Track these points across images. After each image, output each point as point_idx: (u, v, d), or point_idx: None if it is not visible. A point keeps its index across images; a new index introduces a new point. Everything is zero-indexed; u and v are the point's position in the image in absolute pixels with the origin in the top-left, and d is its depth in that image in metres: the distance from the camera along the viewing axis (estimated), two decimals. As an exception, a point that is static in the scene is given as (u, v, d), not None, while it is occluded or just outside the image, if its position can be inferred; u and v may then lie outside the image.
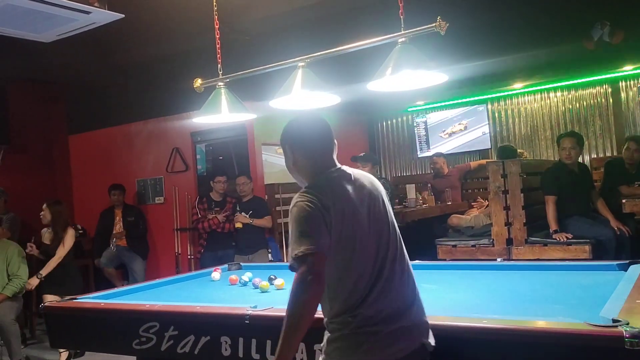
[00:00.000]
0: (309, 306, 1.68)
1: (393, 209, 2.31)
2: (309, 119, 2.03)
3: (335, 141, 2.00)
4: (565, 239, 4.68)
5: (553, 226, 4.78)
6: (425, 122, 8.71)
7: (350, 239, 1.79)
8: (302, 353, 2.17)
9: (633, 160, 5.43)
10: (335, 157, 1.97)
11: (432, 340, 1.88)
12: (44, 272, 5.19)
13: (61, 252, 5.25)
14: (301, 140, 1.94)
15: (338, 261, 1.78)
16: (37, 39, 4.64)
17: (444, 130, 8.53)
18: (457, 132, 8.42)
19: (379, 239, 1.85)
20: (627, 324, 1.76)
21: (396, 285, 1.85)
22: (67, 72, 6.63)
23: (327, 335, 1.83)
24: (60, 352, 4.75)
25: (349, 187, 1.86)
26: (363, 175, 1.98)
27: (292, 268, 1.72)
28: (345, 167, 1.96)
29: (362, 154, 5.64)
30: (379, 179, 4.73)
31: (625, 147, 5.57)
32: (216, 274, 3.72)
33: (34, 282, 5.15)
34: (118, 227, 6.93)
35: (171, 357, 2.55)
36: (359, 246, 1.80)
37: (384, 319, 1.77)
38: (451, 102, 8.42)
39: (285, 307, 1.72)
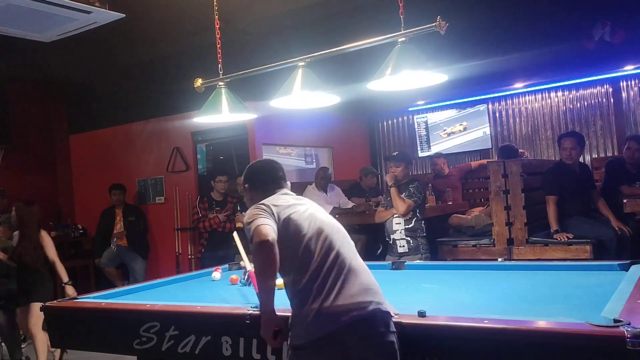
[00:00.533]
0: (270, 263, 2.06)
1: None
2: (264, 164, 2.59)
3: (288, 182, 2.50)
4: (566, 239, 4.68)
5: (554, 226, 4.77)
6: (426, 122, 8.70)
7: (294, 234, 2.17)
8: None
9: (634, 159, 5.42)
10: (282, 184, 2.45)
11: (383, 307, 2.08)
12: (65, 278, 4.93)
13: (54, 255, 4.99)
14: (255, 181, 2.47)
15: (287, 252, 2.12)
16: (38, 38, 4.64)
17: (445, 130, 8.53)
18: (458, 132, 8.42)
19: (318, 236, 2.19)
20: (629, 324, 1.75)
21: (337, 270, 2.13)
22: (67, 72, 6.63)
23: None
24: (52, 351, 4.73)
25: (290, 199, 2.33)
26: (300, 197, 2.43)
27: (251, 240, 2.11)
28: (290, 192, 2.45)
29: (395, 153, 5.11)
30: (412, 181, 4.70)
31: (625, 146, 5.57)
32: (217, 274, 3.72)
33: (70, 290, 4.86)
34: (119, 226, 6.94)
35: (172, 357, 2.55)
36: (301, 240, 2.16)
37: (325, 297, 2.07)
38: (452, 102, 8.41)
39: (285, 307, 2.07)
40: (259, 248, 2.05)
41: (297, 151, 7.93)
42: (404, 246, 4.53)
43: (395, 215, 4.60)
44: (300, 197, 2.40)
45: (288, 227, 2.16)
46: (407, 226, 4.55)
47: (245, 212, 6.41)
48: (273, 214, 2.17)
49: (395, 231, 4.58)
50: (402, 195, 4.57)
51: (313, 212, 2.26)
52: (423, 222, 4.63)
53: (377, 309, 2.04)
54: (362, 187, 7.13)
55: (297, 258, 2.12)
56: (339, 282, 2.07)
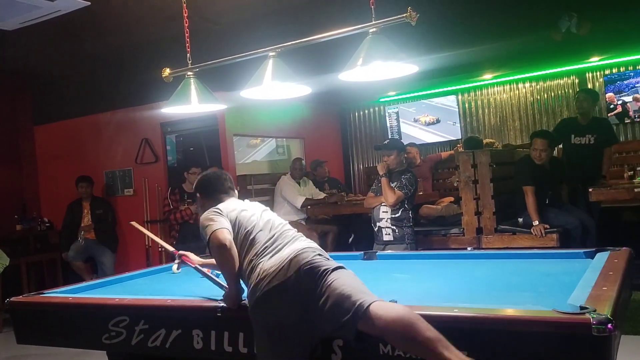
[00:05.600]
0: (227, 261, 2.33)
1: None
2: (212, 175, 2.86)
3: (235, 191, 2.82)
4: (542, 234, 4.69)
5: (534, 217, 4.78)
6: (397, 113, 8.75)
7: (242, 230, 2.45)
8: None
9: (541, 159, 5.19)
10: (230, 193, 2.76)
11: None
12: None
13: None
14: (206, 191, 2.77)
15: (240, 238, 2.43)
16: (0, 26, 4.51)
17: (416, 121, 8.58)
18: (428, 122, 8.48)
19: (268, 223, 2.51)
20: (594, 311, 1.79)
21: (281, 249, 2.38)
22: (32, 61, 6.46)
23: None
24: None
25: (237, 205, 2.60)
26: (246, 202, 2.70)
27: (207, 244, 2.37)
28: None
29: (385, 141, 5.01)
30: (406, 172, 4.67)
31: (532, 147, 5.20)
32: (175, 266, 3.56)
33: None
34: (86, 219, 6.82)
35: (142, 351, 2.52)
36: (252, 228, 2.46)
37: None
38: (422, 93, 8.46)
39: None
40: (219, 252, 2.33)
41: (268, 142, 7.89)
42: (389, 234, 4.54)
43: (383, 204, 4.59)
44: (246, 202, 2.66)
45: (237, 225, 2.45)
46: (393, 215, 4.55)
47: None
48: (225, 215, 2.45)
49: (381, 219, 4.59)
50: (394, 185, 4.54)
51: (256, 213, 2.54)
52: (410, 212, 4.63)
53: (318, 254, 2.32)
54: (318, 181, 7.10)
55: (246, 247, 2.40)
56: (284, 248, 2.35)
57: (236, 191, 2.81)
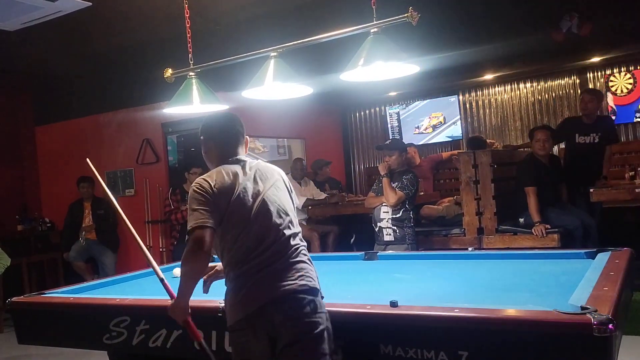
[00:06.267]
0: (197, 269, 2.14)
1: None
2: (221, 116, 2.51)
3: (246, 137, 2.41)
4: (543, 234, 4.70)
5: (535, 218, 4.78)
6: (398, 113, 8.74)
7: (236, 216, 2.13)
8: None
9: (545, 150, 5.14)
10: (240, 149, 2.35)
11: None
12: None
13: None
14: (211, 133, 2.37)
15: (227, 233, 2.13)
16: (1, 27, 4.52)
17: (418, 120, 8.57)
18: (430, 122, 8.47)
19: (264, 218, 2.16)
20: (595, 311, 1.79)
21: (274, 253, 2.13)
22: (33, 61, 6.47)
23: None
24: None
25: (241, 175, 2.21)
26: (260, 165, 2.32)
27: (187, 236, 2.11)
28: (245, 158, 2.32)
29: (387, 141, 5.03)
30: (407, 172, 4.65)
31: (534, 139, 5.20)
32: (177, 271, 3.55)
33: None
34: (87, 220, 6.82)
35: (143, 351, 2.52)
36: (244, 222, 2.13)
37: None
38: (424, 93, 8.45)
39: None
40: (192, 257, 2.07)
41: (269, 142, 7.89)
42: (390, 235, 4.53)
43: (384, 204, 4.58)
44: (253, 168, 2.26)
45: (227, 217, 2.12)
46: (394, 215, 4.53)
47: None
48: (214, 198, 2.11)
49: (382, 219, 4.57)
50: (395, 185, 4.54)
51: (259, 196, 2.17)
52: (412, 212, 4.62)
53: (305, 285, 2.08)
54: (319, 182, 7.07)
55: (235, 248, 2.12)
56: (271, 264, 2.09)
57: (247, 139, 2.40)
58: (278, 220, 2.17)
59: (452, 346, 1.94)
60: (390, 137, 8.39)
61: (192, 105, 3.65)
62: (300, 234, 2.27)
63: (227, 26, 5.31)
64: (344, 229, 6.61)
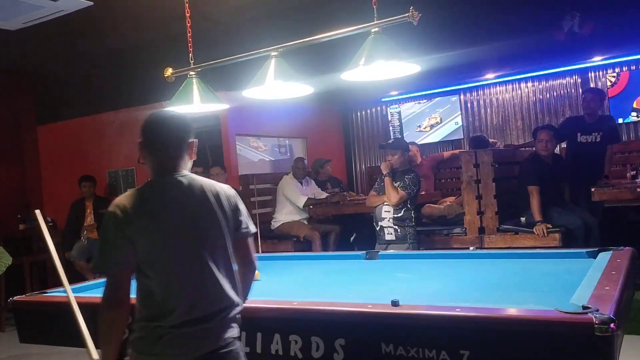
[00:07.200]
0: (113, 324, 1.84)
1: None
2: (163, 120, 2.02)
3: (194, 141, 2.02)
4: (545, 234, 4.70)
5: (537, 217, 4.79)
6: (399, 113, 8.74)
7: (159, 249, 1.85)
8: (277, 344, 2.18)
9: (547, 150, 5.18)
10: (181, 163, 1.98)
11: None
12: None
13: None
14: (147, 139, 1.98)
15: (146, 269, 1.85)
16: (3, 26, 4.52)
17: (418, 121, 8.57)
18: (433, 122, 8.47)
19: (196, 249, 1.88)
20: (597, 310, 1.79)
21: (209, 289, 1.90)
22: (35, 61, 6.48)
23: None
24: None
25: (173, 199, 1.91)
26: (204, 186, 1.97)
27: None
28: (183, 176, 1.96)
29: (390, 141, 5.04)
30: (409, 172, 4.67)
31: (536, 139, 5.24)
32: None
33: None
34: (89, 219, 6.83)
35: (144, 350, 2.51)
36: (168, 255, 1.85)
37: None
38: (425, 93, 8.45)
39: (256, 298, 1.94)
40: (101, 310, 1.82)
41: (271, 142, 7.89)
42: (391, 234, 4.53)
43: (385, 203, 4.58)
44: (185, 185, 1.93)
45: (138, 254, 1.82)
46: (396, 215, 4.53)
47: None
48: (126, 228, 1.81)
49: (383, 218, 4.57)
50: (397, 185, 4.54)
51: (178, 232, 1.87)
52: (413, 211, 4.62)
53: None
54: (320, 181, 7.05)
55: (152, 291, 1.85)
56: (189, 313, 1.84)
57: (191, 151, 2.01)
58: (210, 256, 1.92)
59: (453, 345, 1.94)
60: (392, 137, 8.39)
61: (192, 104, 3.66)
62: None
63: (227, 25, 5.31)
64: (346, 228, 6.61)
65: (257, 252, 5.91)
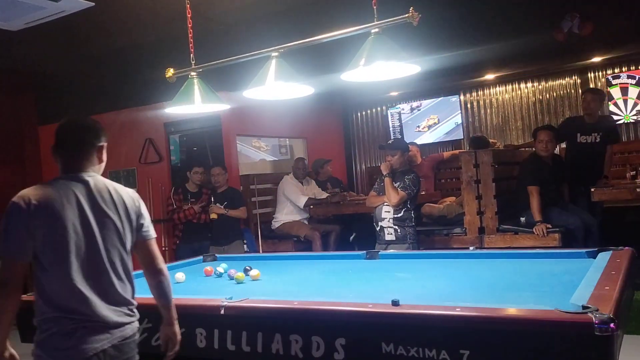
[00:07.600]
0: (4, 309, 1.98)
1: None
2: (72, 125, 2.20)
3: (100, 150, 2.13)
4: (544, 234, 4.70)
5: (537, 217, 4.80)
6: (399, 113, 8.75)
7: (58, 244, 1.93)
8: (277, 343, 2.19)
9: (548, 151, 5.17)
10: (87, 164, 2.09)
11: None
12: None
13: None
14: (57, 140, 2.15)
15: (46, 263, 1.94)
16: (5, 27, 4.53)
17: (418, 121, 8.58)
18: (431, 123, 8.48)
19: (92, 246, 1.99)
20: (597, 310, 1.80)
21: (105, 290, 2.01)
22: (36, 61, 6.49)
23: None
24: None
25: (77, 196, 2.00)
26: (108, 187, 2.09)
27: None
28: (90, 176, 2.07)
29: (390, 141, 5.06)
30: (409, 172, 4.68)
31: (536, 139, 5.21)
32: (180, 275, 3.40)
33: None
34: (90, 219, 6.83)
35: (145, 350, 2.53)
36: (68, 251, 1.94)
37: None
38: (425, 93, 8.46)
39: (257, 297, 1.98)
40: None
41: (271, 142, 7.90)
42: (391, 234, 4.54)
43: (385, 203, 4.59)
44: (80, 186, 2.03)
45: (39, 247, 1.91)
46: (396, 215, 4.54)
47: (219, 204, 6.33)
48: (28, 220, 1.90)
49: (383, 219, 4.58)
50: (397, 185, 4.54)
51: (78, 221, 1.97)
52: (413, 212, 4.63)
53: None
54: (320, 181, 7.04)
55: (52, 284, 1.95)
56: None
57: (100, 154, 2.13)
58: (106, 255, 2.04)
59: (453, 345, 1.95)
60: (392, 137, 8.40)
61: (194, 104, 3.67)
62: None
63: (228, 26, 5.32)
64: (346, 227, 6.62)
65: (258, 251, 5.92)
